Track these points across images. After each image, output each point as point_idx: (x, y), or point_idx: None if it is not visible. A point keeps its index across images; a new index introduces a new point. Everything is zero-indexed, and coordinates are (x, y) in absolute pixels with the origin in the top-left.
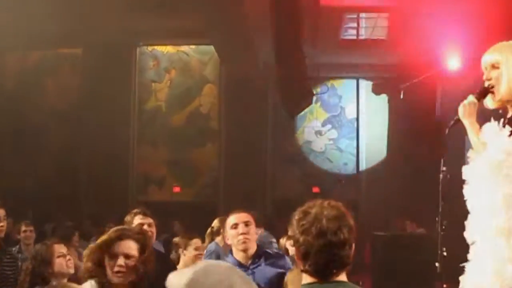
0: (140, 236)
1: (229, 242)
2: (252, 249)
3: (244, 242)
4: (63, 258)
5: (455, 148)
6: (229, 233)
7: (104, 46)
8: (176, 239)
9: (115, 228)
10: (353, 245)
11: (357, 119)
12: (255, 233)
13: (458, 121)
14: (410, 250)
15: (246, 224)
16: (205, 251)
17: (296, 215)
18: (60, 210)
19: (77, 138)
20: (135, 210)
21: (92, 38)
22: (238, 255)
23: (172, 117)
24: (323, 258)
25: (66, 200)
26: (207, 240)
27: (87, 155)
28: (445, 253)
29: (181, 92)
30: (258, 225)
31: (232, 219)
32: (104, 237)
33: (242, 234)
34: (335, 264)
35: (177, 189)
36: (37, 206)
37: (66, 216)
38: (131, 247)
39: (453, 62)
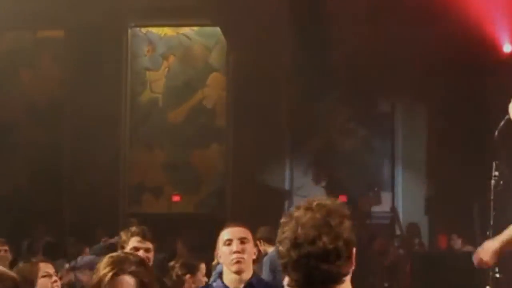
0: (139, 270)
1: (221, 260)
2: (247, 273)
3: (237, 262)
4: (48, 279)
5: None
6: (222, 250)
7: (89, 28)
8: (177, 265)
9: (108, 259)
10: (349, 255)
11: (392, 113)
12: (253, 253)
13: (510, 121)
14: (456, 271)
15: (242, 241)
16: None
17: (282, 219)
18: (37, 224)
19: (57, 138)
20: (133, 229)
21: (75, 19)
22: (229, 278)
23: (170, 112)
24: (301, 272)
25: (44, 213)
26: (216, 259)
27: (69, 159)
28: (498, 275)
29: (181, 83)
30: (271, 243)
31: (225, 233)
32: (97, 275)
33: (236, 252)
34: (319, 278)
35: (176, 199)
36: (9, 220)
37: (45, 232)
38: (128, 283)
39: (505, 46)
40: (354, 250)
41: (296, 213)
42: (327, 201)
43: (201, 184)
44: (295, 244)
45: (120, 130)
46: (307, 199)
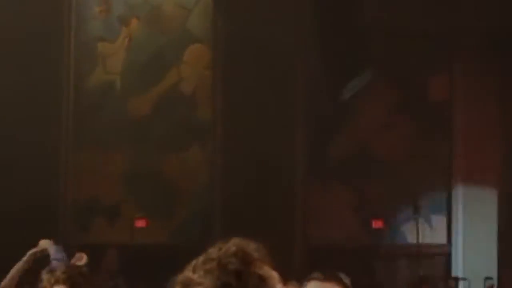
0: None
1: None
2: None
3: None
4: None
5: None
6: None
7: None
8: None
9: None
10: None
11: (451, 101)
12: None
13: None
14: None
15: None
16: None
17: None
18: None
19: None
20: (58, 273)
21: None
22: None
23: (132, 101)
24: None
25: None
26: None
27: None
28: None
29: (147, 59)
30: None
31: None
32: None
33: None
34: None
35: (141, 224)
36: None
37: None
38: None
39: None
40: None
41: (181, 276)
42: (229, 249)
43: (178, 202)
44: None
45: (60, 126)
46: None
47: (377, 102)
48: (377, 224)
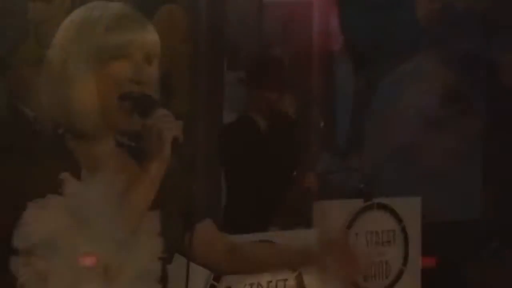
0: None
1: None
2: None
3: None
4: None
5: None
6: None
7: None
8: None
9: None
10: None
11: None
12: None
13: None
14: None
15: None
16: None
17: None
18: None
19: None
20: None
21: None
22: None
23: (78, 86)
24: None
25: None
26: None
27: None
28: None
29: None
30: None
31: None
32: None
33: None
34: None
35: (90, 261)
36: None
37: None
38: None
39: None
40: None
41: None
42: None
43: None
44: None
45: None
46: None
47: (426, 89)
48: (427, 260)
